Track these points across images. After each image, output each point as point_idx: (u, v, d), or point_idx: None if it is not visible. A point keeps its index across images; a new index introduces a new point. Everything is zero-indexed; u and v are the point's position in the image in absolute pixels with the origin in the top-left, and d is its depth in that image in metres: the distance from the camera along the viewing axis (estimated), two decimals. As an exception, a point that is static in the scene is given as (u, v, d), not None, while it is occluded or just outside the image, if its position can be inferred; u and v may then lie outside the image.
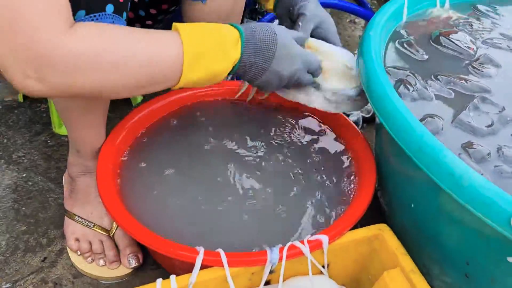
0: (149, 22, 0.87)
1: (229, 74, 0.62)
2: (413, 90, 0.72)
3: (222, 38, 0.60)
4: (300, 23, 0.73)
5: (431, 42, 0.84)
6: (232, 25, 0.63)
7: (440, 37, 0.84)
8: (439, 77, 0.76)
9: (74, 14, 0.53)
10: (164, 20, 0.89)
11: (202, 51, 0.58)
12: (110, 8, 0.57)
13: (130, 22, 0.86)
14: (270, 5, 0.85)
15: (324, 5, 1.47)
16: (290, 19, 0.81)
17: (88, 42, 0.51)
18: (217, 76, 0.60)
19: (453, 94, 0.73)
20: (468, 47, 0.82)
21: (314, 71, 0.70)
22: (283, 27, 0.67)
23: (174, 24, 0.59)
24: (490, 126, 0.67)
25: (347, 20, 1.57)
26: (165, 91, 0.70)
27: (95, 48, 0.51)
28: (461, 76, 0.76)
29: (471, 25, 0.91)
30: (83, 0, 0.54)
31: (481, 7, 0.96)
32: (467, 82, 0.75)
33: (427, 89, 0.72)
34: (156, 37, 0.56)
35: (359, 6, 1.49)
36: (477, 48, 0.83)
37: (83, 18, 0.55)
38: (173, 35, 0.57)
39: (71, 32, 0.49)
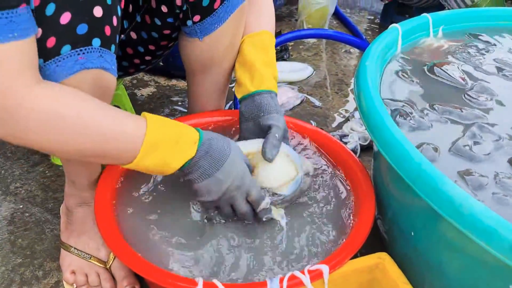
0: (148, 58, 0.88)
1: (178, 170, 0.63)
2: (410, 119, 0.73)
3: (182, 135, 0.62)
4: (276, 135, 0.72)
5: (426, 72, 0.86)
6: (196, 129, 0.65)
7: (435, 68, 0.86)
8: (435, 106, 0.78)
9: (59, 49, 0.55)
10: (163, 55, 0.91)
11: (160, 142, 0.60)
12: (96, 41, 0.57)
13: (129, 58, 0.88)
14: (237, 94, 0.82)
15: (320, 36, 1.51)
16: (257, 127, 0.78)
17: (48, 103, 0.52)
18: (168, 168, 0.62)
19: (449, 122, 0.74)
20: (460, 78, 0.84)
21: (252, 201, 0.68)
22: (241, 152, 0.69)
23: (143, 113, 0.62)
24: (487, 154, 0.67)
25: (343, 50, 1.60)
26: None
27: (54, 110, 0.52)
28: (456, 105, 0.77)
29: (468, 52, 0.93)
30: (68, 34, 0.55)
31: (477, 34, 0.98)
32: (462, 111, 0.76)
33: (424, 118, 0.73)
34: (121, 118, 0.59)
35: (354, 36, 1.53)
36: (469, 80, 0.84)
37: (69, 53, 0.55)
38: (139, 121, 0.60)
39: (34, 90, 0.51)
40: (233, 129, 0.88)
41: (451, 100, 0.79)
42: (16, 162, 1.02)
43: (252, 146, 0.74)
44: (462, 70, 0.87)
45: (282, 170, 0.73)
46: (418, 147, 0.67)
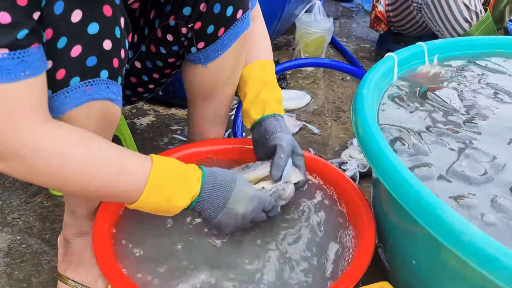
0: (151, 86, 0.89)
1: (187, 209, 0.64)
2: (409, 146, 0.73)
3: (186, 173, 0.63)
4: (281, 155, 0.74)
5: (418, 97, 0.87)
6: (199, 166, 0.66)
7: (428, 93, 0.87)
8: (431, 129, 0.79)
9: (68, 81, 0.56)
10: (166, 83, 0.92)
11: (165, 181, 0.61)
12: (104, 73, 0.59)
13: (133, 87, 0.89)
14: (247, 124, 0.84)
15: (317, 65, 1.53)
16: (267, 150, 0.79)
17: (54, 143, 0.53)
18: (173, 206, 0.62)
19: (447, 145, 0.75)
20: (453, 102, 0.85)
21: (269, 211, 0.71)
22: (242, 176, 0.70)
23: (151, 155, 0.63)
24: (483, 174, 0.68)
25: (340, 78, 1.62)
26: (162, 149, 0.70)
27: (60, 151, 0.54)
28: (452, 128, 0.79)
29: (464, 76, 0.95)
30: (78, 67, 0.56)
31: (474, 61, 1.00)
32: (457, 133, 0.77)
33: (421, 143, 0.74)
34: (128, 159, 0.60)
35: (351, 65, 1.55)
36: (462, 105, 0.86)
37: (77, 84, 0.56)
38: (144, 161, 0.61)
39: (41, 130, 0.52)
40: (232, 157, 0.88)
41: (444, 123, 0.80)
42: (14, 193, 1.02)
43: (257, 172, 0.76)
44: (456, 93, 0.88)
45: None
46: (416, 167, 0.69)
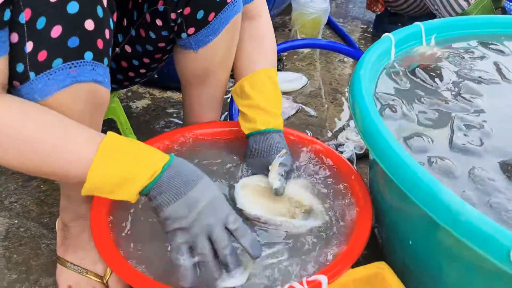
0: (142, 71, 0.88)
1: (141, 193, 0.57)
2: (396, 112, 0.76)
3: (148, 152, 0.57)
4: (283, 173, 0.73)
5: (408, 74, 0.87)
6: (170, 155, 0.59)
7: (416, 69, 0.88)
8: (422, 99, 0.81)
9: (50, 62, 0.55)
10: (158, 68, 0.91)
11: (118, 153, 0.55)
12: (89, 55, 0.57)
13: (124, 71, 0.88)
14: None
15: (314, 46, 1.52)
16: (264, 164, 0.77)
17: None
18: (130, 185, 0.55)
19: (437, 114, 0.78)
20: (438, 80, 0.87)
21: (234, 230, 0.58)
22: (210, 181, 0.60)
23: (109, 132, 0.57)
24: (481, 145, 0.70)
25: (336, 60, 1.61)
26: (158, 132, 0.70)
27: (2, 123, 0.52)
28: (442, 98, 0.81)
29: (462, 57, 0.95)
30: (60, 48, 0.55)
31: (472, 42, 1.00)
32: (447, 103, 0.80)
33: (411, 112, 0.77)
34: (73, 134, 0.55)
35: (348, 46, 1.54)
36: (449, 83, 0.88)
37: (60, 66, 0.55)
38: (93, 135, 0.56)
39: None
40: (228, 139, 0.88)
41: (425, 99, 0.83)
42: (10, 177, 1.02)
43: (250, 180, 0.76)
44: (448, 71, 0.89)
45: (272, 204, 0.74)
46: (409, 138, 0.71)
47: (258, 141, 0.78)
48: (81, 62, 0.57)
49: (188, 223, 0.57)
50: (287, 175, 0.75)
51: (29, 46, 0.53)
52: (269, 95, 0.81)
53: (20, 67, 0.54)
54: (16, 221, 0.92)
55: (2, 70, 0.53)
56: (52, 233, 0.88)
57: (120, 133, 1.10)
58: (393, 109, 0.76)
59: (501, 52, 0.98)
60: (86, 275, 0.75)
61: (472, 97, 0.83)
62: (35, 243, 0.87)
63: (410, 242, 0.66)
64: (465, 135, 0.73)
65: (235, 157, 0.84)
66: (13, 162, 0.55)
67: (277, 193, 0.73)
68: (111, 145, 0.56)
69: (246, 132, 0.80)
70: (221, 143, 0.88)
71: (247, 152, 0.81)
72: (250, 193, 0.75)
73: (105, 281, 0.75)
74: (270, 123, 0.78)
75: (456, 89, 0.85)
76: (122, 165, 0.55)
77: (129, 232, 0.71)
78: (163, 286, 0.61)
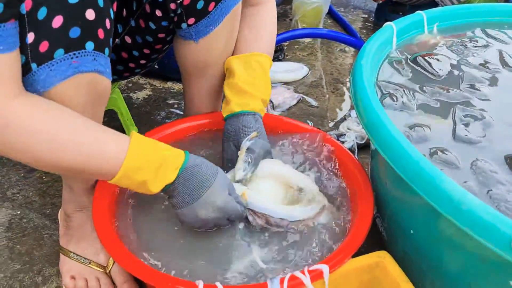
0: (143, 62, 0.88)
1: (162, 191, 0.63)
2: (397, 101, 0.76)
3: (165, 161, 0.61)
4: (248, 160, 0.72)
5: (409, 62, 0.87)
6: (185, 152, 0.64)
7: (418, 58, 0.87)
8: (424, 88, 0.81)
9: (52, 53, 0.55)
10: (158, 59, 0.91)
11: (140, 167, 0.59)
12: (90, 45, 0.57)
13: (124, 62, 0.88)
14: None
15: (315, 36, 1.51)
16: (236, 148, 0.77)
17: (23, 118, 0.53)
18: (147, 191, 0.62)
19: (438, 103, 0.77)
20: (439, 69, 0.86)
21: (233, 220, 0.69)
22: (227, 176, 0.68)
23: (132, 132, 0.62)
24: (483, 136, 0.70)
25: (338, 49, 1.60)
26: (159, 123, 0.70)
27: (28, 126, 0.53)
28: (444, 87, 0.81)
29: (465, 46, 0.94)
30: (61, 38, 0.55)
31: (476, 31, 1.00)
32: (449, 92, 0.79)
33: (411, 102, 0.77)
34: (103, 138, 0.58)
35: (349, 35, 1.53)
36: (447, 72, 0.87)
37: (62, 57, 0.55)
38: (122, 142, 0.59)
39: (12, 103, 0.51)
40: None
41: (426, 87, 0.83)
42: (12, 168, 1.02)
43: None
44: (449, 61, 0.89)
45: (269, 193, 0.72)
46: (410, 128, 0.71)
47: (230, 123, 0.78)
48: (82, 52, 0.57)
49: (195, 226, 0.67)
50: (255, 161, 0.73)
51: (30, 37, 0.53)
52: (253, 78, 0.79)
53: (22, 59, 0.54)
54: (18, 212, 0.92)
55: (18, 62, 0.53)
56: (55, 224, 0.89)
57: (121, 124, 1.10)
58: (394, 98, 0.76)
59: (503, 41, 0.97)
60: (89, 265, 0.76)
61: (474, 86, 0.82)
62: (38, 234, 0.88)
63: (412, 232, 0.66)
64: (467, 125, 0.72)
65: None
66: (45, 164, 0.57)
67: (243, 182, 0.72)
68: (136, 154, 0.59)
69: (224, 115, 0.79)
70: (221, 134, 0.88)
71: (223, 136, 0.80)
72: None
73: (107, 271, 0.76)
74: (247, 105, 0.77)
75: (458, 78, 0.85)
76: (141, 177, 0.60)
77: (131, 222, 0.71)
78: (165, 276, 0.61)
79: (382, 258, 0.64)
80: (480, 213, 0.49)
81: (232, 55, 0.85)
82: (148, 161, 0.60)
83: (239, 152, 0.74)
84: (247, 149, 0.73)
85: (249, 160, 0.72)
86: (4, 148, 0.54)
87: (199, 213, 0.64)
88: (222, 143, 0.80)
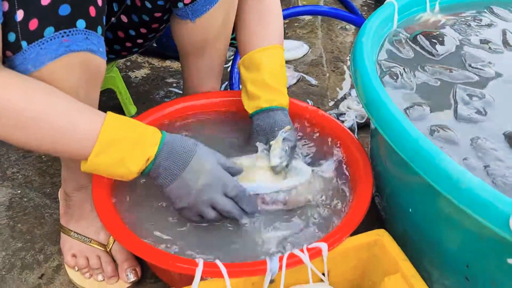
0: (140, 41, 0.87)
1: (142, 174, 0.61)
2: (396, 80, 0.75)
3: (143, 136, 0.60)
4: (286, 148, 0.72)
5: (409, 41, 0.86)
6: (160, 131, 0.62)
7: (418, 36, 0.86)
8: (425, 68, 0.80)
9: (41, 31, 0.54)
10: (155, 38, 0.89)
11: (117, 141, 0.58)
12: (81, 23, 0.56)
13: (121, 41, 0.86)
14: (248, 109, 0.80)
15: (315, 13, 1.48)
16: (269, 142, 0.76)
17: (1, 91, 0.52)
18: (126, 170, 0.59)
19: (438, 82, 0.77)
20: (439, 48, 0.85)
21: (233, 196, 0.65)
22: (210, 150, 0.66)
23: (108, 112, 0.60)
24: (485, 115, 0.70)
25: (338, 27, 1.58)
26: (158, 102, 0.70)
27: (2, 101, 0.52)
28: (446, 66, 0.80)
29: (468, 24, 0.93)
30: (51, 16, 0.53)
31: (480, 9, 0.98)
32: (451, 71, 0.78)
33: (411, 80, 0.76)
34: (76, 114, 0.57)
35: (350, 12, 1.51)
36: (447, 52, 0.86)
37: (52, 35, 0.54)
38: (95, 117, 0.58)
39: None
40: (230, 110, 0.87)
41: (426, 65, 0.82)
42: (11, 147, 1.02)
43: (246, 160, 0.74)
44: (451, 40, 0.88)
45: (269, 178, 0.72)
46: (410, 107, 0.70)
47: (260, 118, 0.77)
48: (73, 30, 0.55)
49: (190, 202, 0.63)
50: (290, 151, 0.74)
51: (19, 14, 0.52)
52: (276, 72, 0.79)
53: (11, 36, 0.53)
54: (19, 191, 0.92)
55: None
56: (55, 203, 0.89)
57: (119, 104, 1.09)
58: (394, 76, 0.76)
59: (509, 19, 0.95)
60: (90, 244, 0.76)
61: (476, 66, 0.82)
62: (39, 213, 0.88)
63: (410, 210, 0.66)
64: (468, 104, 0.72)
65: (233, 129, 0.84)
66: (18, 141, 0.56)
67: (276, 170, 0.72)
68: (111, 128, 0.58)
69: (250, 111, 0.79)
70: (221, 113, 0.87)
71: (251, 131, 0.79)
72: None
73: (108, 249, 0.76)
74: (274, 100, 0.77)
75: (460, 58, 0.84)
76: (118, 154, 0.58)
77: (130, 200, 0.71)
78: (165, 254, 0.62)
79: (380, 237, 0.65)
80: (478, 191, 0.50)
81: (244, 45, 0.82)
82: (124, 136, 0.58)
83: (273, 142, 0.74)
84: (283, 139, 0.73)
85: (287, 148, 0.72)
86: None
87: (190, 183, 0.62)
88: (249, 139, 0.80)
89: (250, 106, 0.79)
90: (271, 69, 0.78)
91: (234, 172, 0.68)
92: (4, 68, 0.54)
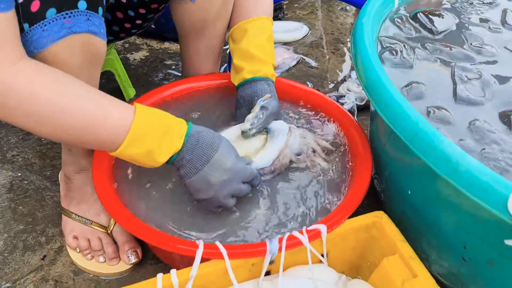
0: (138, 22, 0.86)
1: (167, 163, 0.62)
2: (395, 56, 0.75)
3: (170, 128, 0.60)
4: (260, 115, 0.71)
5: (409, 19, 0.85)
6: (187, 122, 0.63)
7: (418, 14, 0.86)
8: (426, 45, 0.80)
9: (43, 13, 0.53)
10: (154, 19, 0.88)
11: (146, 134, 0.58)
12: (82, 4, 0.56)
13: (120, 22, 0.86)
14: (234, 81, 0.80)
15: (315, -6, 1.46)
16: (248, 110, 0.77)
17: (25, 81, 0.51)
18: (153, 161, 0.60)
19: (438, 61, 0.77)
20: (438, 25, 0.85)
21: (250, 182, 0.67)
22: (231, 145, 0.66)
23: (134, 103, 0.60)
24: (483, 96, 0.70)
25: (339, 8, 1.57)
26: (157, 84, 0.69)
27: (29, 90, 0.51)
28: (446, 44, 0.80)
29: (471, 3, 0.92)
30: None
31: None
32: (451, 49, 0.78)
33: (411, 57, 0.76)
34: (107, 106, 0.56)
35: (350, -7, 1.49)
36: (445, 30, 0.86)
37: (54, 17, 0.54)
38: (126, 110, 0.58)
39: (16, 66, 0.50)
40: (227, 92, 0.87)
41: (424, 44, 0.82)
42: (11, 130, 1.02)
43: (228, 132, 0.74)
44: (452, 18, 0.87)
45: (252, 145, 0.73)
46: (407, 86, 0.70)
47: (243, 90, 0.77)
48: (75, 12, 0.55)
49: (210, 196, 0.64)
50: (266, 119, 0.73)
51: None
52: (261, 42, 0.78)
53: None
54: (19, 174, 0.93)
55: (16, 22, 0.51)
56: (56, 186, 0.90)
57: (118, 86, 1.08)
58: (393, 52, 0.76)
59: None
60: (91, 225, 0.77)
61: (476, 45, 0.81)
62: (40, 195, 0.89)
63: (409, 192, 0.67)
64: (466, 84, 0.72)
65: (226, 106, 0.84)
66: (46, 130, 0.55)
67: (244, 135, 0.71)
68: (141, 122, 0.58)
69: (236, 83, 0.79)
70: (219, 95, 0.87)
71: (236, 104, 0.80)
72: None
73: (109, 231, 0.77)
74: (259, 71, 0.76)
75: (460, 36, 0.83)
76: (147, 146, 0.59)
77: (130, 182, 0.71)
78: (165, 235, 0.62)
79: (379, 218, 0.65)
80: (477, 174, 0.50)
81: (233, 21, 0.82)
82: (154, 128, 0.59)
83: (252, 110, 0.74)
84: (261, 107, 0.73)
85: (261, 116, 0.72)
86: (8, 113, 0.52)
87: (211, 177, 0.62)
88: (235, 111, 0.80)
89: (236, 79, 0.79)
90: (257, 39, 0.78)
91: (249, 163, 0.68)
92: (29, 59, 0.53)
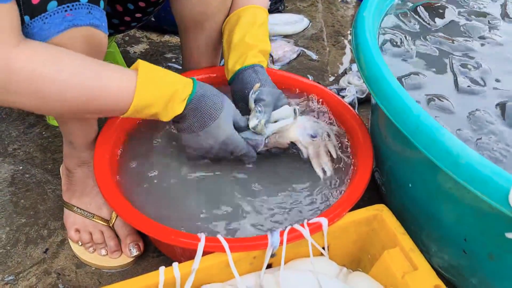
0: (138, 15, 0.86)
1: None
2: (396, 46, 0.75)
3: (173, 95, 0.63)
4: (259, 108, 0.70)
5: (409, 12, 0.85)
6: (192, 79, 0.65)
7: (418, 7, 0.85)
8: (427, 37, 0.81)
9: (45, 5, 0.53)
10: (154, 12, 0.88)
11: (149, 105, 0.61)
12: None
13: (119, 15, 0.85)
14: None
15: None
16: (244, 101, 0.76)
17: (25, 62, 0.52)
18: (157, 118, 0.65)
19: (437, 52, 0.77)
20: (437, 19, 0.85)
21: (240, 157, 0.71)
22: (232, 105, 0.69)
23: (139, 61, 0.62)
24: (483, 85, 0.70)
25: (339, 0, 1.56)
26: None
27: (31, 69, 0.52)
28: (447, 36, 0.81)
29: None
30: None
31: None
32: (453, 42, 0.79)
33: (411, 48, 0.77)
34: (109, 76, 0.58)
35: (351, -15, 1.48)
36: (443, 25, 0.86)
37: (55, 9, 0.54)
38: (128, 79, 0.59)
39: (15, 50, 0.51)
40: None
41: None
42: (12, 124, 1.02)
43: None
44: (452, 11, 0.87)
45: None
46: (406, 76, 0.71)
47: (235, 84, 0.77)
48: (76, 4, 0.55)
49: (199, 153, 0.70)
50: (268, 108, 0.71)
51: None
52: (246, 29, 0.77)
53: None
54: (20, 167, 0.93)
55: (17, 12, 0.51)
56: (57, 179, 0.90)
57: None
58: (394, 43, 0.76)
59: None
60: (93, 219, 0.77)
61: (475, 37, 0.81)
62: (41, 189, 0.89)
63: (410, 185, 0.67)
64: (465, 74, 0.73)
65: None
66: (54, 107, 0.57)
67: (257, 130, 0.71)
68: (145, 92, 0.60)
69: (228, 79, 0.78)
70: (220, 88, 0.87)
71: (232, 100, 0.77)
72: None
73: (111, 225, 0.77)
74: (244, 59, 0.75)
75: (459, 29, 0.83)
76: (152, 111, 0.62)
77: (132, 176, 0.72)
78: (168, 229, 0.62)
79: (380, 211, 0.66)
80: (478, 167, 0.50)
81: (228, 14, 0.82)
82: (158, 97, 0.62)
83: (249, 107, 0.73)
84: (255, 100, 0.72)
85: (260, 109, 0.71)
86: (12, 95, 0.53)
87: (203, 142, 0.67)
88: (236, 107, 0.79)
89: (228, 74, 0.78)
90: (241, 28, 0.77)
91: (243, 127, 0.70)
92: (26, 40, 0.53)
